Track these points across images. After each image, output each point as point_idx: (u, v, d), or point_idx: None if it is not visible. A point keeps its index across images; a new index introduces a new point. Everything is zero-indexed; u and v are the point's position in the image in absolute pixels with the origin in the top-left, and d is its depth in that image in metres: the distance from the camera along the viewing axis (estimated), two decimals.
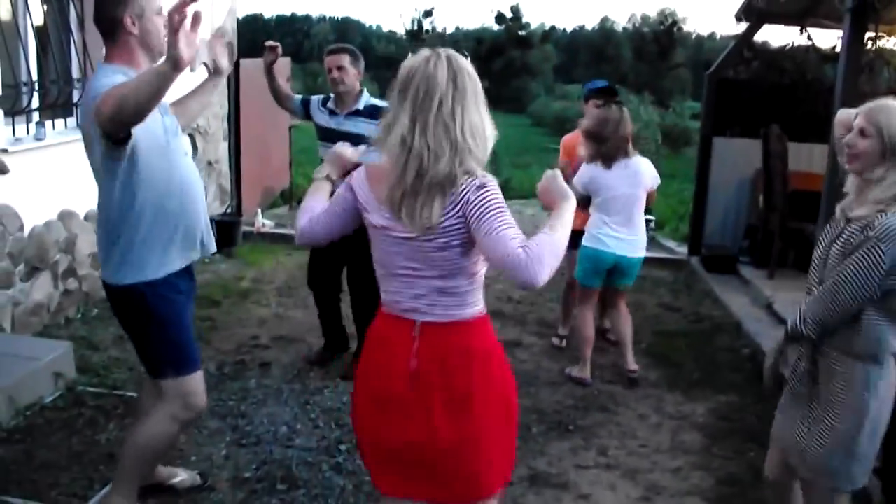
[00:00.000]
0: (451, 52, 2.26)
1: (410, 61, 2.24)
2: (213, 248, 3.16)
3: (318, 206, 2.53)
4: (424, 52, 2.25)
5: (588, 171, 4.80)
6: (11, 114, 5.23)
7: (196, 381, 3.09)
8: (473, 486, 2.41)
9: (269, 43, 4.56)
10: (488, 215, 2.13)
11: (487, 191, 2.16)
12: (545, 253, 2.07)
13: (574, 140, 5.38)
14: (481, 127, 2.23)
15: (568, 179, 4.84)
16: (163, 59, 2.43)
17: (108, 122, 2.59)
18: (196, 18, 2.39)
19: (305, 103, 4.87)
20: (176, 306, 3.00)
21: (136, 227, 2.86)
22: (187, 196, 2.97)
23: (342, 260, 4.87)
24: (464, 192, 2.17)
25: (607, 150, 4.73)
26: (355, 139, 4.53)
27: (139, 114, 2.55)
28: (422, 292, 2.31)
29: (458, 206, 2.18)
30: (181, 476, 3.55)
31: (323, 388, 4.71)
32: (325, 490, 3.63)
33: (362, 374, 2.47)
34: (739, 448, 4.22)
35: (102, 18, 2.84)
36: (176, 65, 2.36)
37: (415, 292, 2.32)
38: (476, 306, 2.36)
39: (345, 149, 2.71)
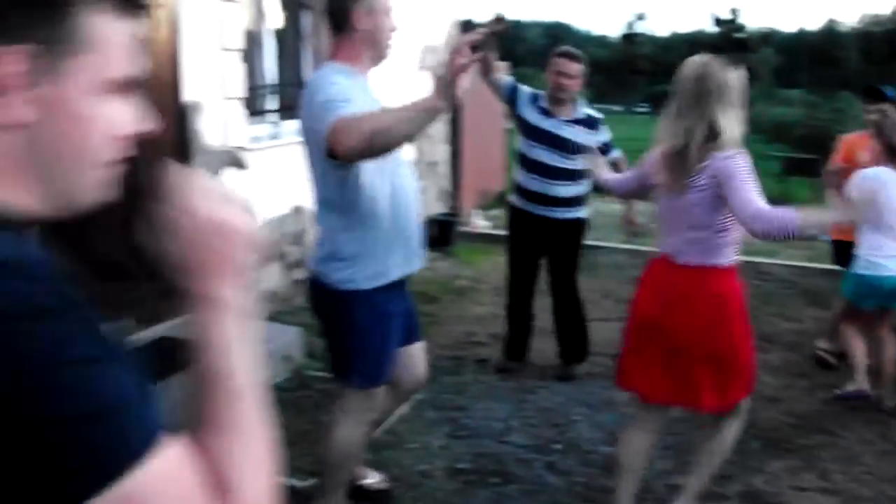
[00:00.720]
0: (709, 60, 2.94)
1: (685, 66, 2.95)
2: (420, 265, 3.06)
3: (617, 175, 3.64)
4: (695, 59, 2.97)
5: (878, 173, 4.38)
6: (252, 114, 5.61)
7: (378, 395, 3.06)
8: (723, 393, 3.03)
9: (499, 15, 4.39)
10: (735, 178, 2.78)
11: (734, 160, 2.82)
12: (777, 217, 2.70)
13: (856, 141, 5.06)
14: (725, 119, 2.86)
15: (840, 185, 4.50)
16: (427, 96, 2.43)
17: (347, 153, 2.54)
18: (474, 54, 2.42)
19: (513, 90, 4.72)
20: (383, 320, 2.90)
21: (355, 230, 2.80)
22: (404, 205, 2.88)
23: (541, 262, 4.91)
24: (714, 160, 2.83)
25: None
26: (573, 146, 4.52)
27: (389, 148, 2.56)
28: (678, 238, 2.99)
29: (709, 170, 2.83)
30: (371, 479, 3.52)
31: (538, 387, 4.76)
32: (537, 487, 3.69)
33: (635, 303, 3.17)
34: None
35: (333, 9, 2.85)
36: (448, 105, 2.38)
37: (673, 238, 3.01)
38: (723, 259, 2.97)
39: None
